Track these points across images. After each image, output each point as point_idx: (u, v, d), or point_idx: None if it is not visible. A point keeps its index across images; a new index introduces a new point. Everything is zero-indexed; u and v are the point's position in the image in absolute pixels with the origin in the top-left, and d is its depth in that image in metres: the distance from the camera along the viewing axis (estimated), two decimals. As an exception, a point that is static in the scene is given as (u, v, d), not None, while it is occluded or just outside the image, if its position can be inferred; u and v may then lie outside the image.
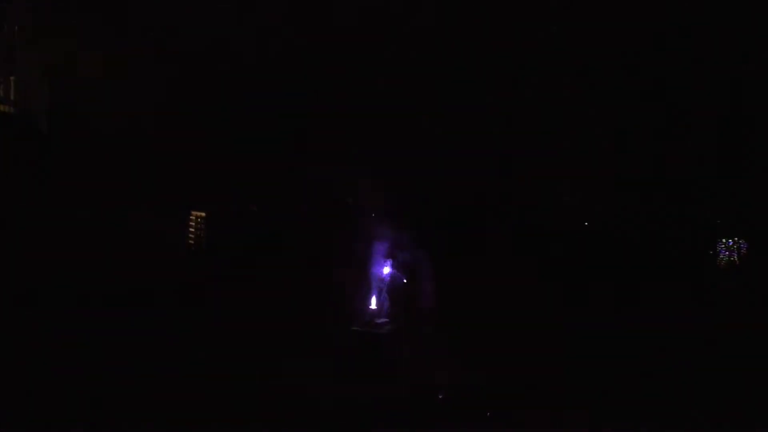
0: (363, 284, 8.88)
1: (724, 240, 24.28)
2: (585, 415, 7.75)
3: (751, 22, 20.93)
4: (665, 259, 22.25)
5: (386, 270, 8.84)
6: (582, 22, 21.95)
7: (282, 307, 15.14)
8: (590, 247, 23.52)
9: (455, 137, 21.06)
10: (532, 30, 21.42)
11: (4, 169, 16.07)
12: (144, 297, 15.91)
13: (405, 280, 8.81)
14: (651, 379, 8.59)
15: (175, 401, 7.51)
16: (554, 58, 21.25)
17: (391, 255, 8.98)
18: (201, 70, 23.30)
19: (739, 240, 24.03)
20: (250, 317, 13.53)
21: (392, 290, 9.02)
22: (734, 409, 7.46)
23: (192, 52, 22.17)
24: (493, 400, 7.72)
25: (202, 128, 24.49)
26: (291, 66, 22.09)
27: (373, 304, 8.83)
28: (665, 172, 23.45)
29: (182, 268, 18.32)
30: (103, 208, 18.13)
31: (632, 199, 23.51)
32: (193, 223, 27.30)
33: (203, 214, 27.69)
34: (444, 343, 10.81)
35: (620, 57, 21.99)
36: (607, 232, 24.16)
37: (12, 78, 8.60)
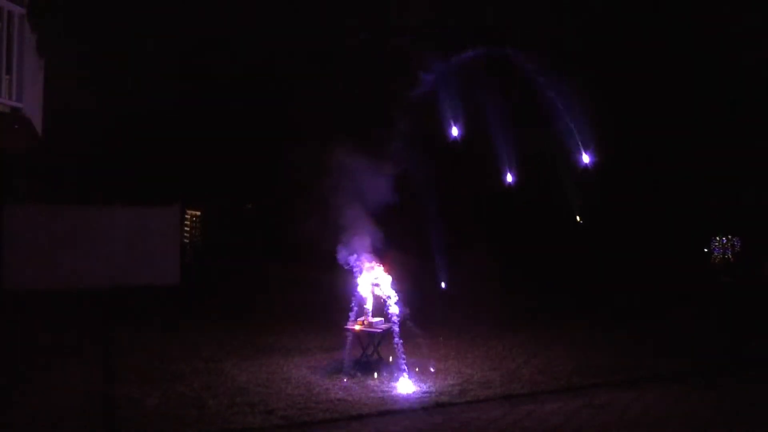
0: (358, 283, 8.93)
1: (717, 238, 24.51)
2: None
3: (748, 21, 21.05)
4: (659, 257, 22.40)
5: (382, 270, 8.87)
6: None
7: (277, 304, 15.14)
8: (583, 245, 23.64)
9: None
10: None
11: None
12: (140, 295, 15.90)
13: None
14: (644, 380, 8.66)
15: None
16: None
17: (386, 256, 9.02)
18: (197, 68, 23.32)
19: (732, 238, 24.25)
20: (247, 315, 13.54)
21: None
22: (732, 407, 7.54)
23: (188, 50, 22.19)
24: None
25: (199, 127, 24.55)
26: (287, 65, 22.16)
27: (369, 303, 8.87)
28: (660, 170, 23.59)
29: (179, 265, 18.35)
30: (97, 206, 18.16)
31: (626, 196, 23.64)
32: (189, 222, 27.38)
33: (198, 213, 27.80)
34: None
35: (618, 53, 22.08)
36: (600, 229, 24.31)
37: (7, 77, 8.62)
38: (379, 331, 8.83)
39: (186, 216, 26.54)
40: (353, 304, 8.89)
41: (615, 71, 22.21)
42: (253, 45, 21.91)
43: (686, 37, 21.85)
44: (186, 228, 26.75)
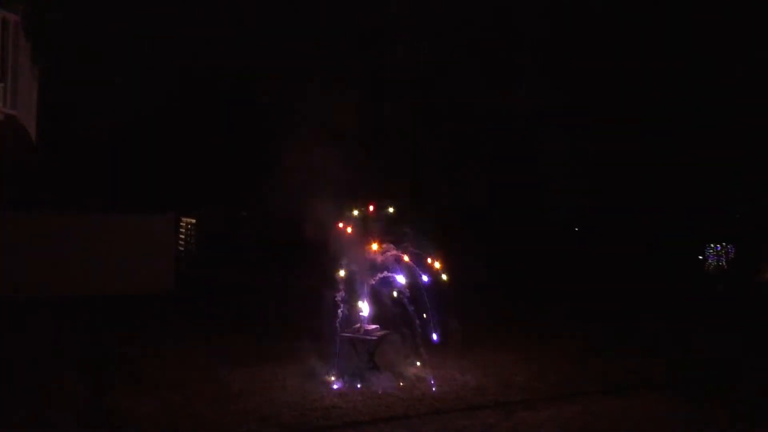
0: (352, 290, 8.89)
1: (712, 245, 24.61)
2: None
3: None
4: (654, 264, 22.46)
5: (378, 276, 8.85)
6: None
7: (271, 311, 15.07)
8: (578, 252, 23.67)
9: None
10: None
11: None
12: (135, 303, 15.84)
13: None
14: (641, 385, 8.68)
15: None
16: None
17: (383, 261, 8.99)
18: (193, 74, 23.35)
19: (726, 245, 24.35)
20: (242, 322, 13.50)
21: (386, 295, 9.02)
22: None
23: (184, 56, 22.22)
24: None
25: (194, 134, 24.55)
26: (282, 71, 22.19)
27: (365, 310, 8.84)
28: (655, 175, 23.69)
29: (173, 273, 18.28)
30: (92, 214, 18.10)
31: (621, 203, 23.72)
32: (183, 230, 27.30)
33: (193, 221, 27.71)
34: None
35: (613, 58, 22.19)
36: (595, 235, 24.36)
37: (2, 84, 8.63)
38: (374, 338, 8.81)
39: (181, 224, 26.46)
40: (347, 311, 8.88)
41: (613, 76, 22.35)
42: (250, 51, 21.98)
43: (683, 41, 21.98)
44: (181, 236, 26.67)
